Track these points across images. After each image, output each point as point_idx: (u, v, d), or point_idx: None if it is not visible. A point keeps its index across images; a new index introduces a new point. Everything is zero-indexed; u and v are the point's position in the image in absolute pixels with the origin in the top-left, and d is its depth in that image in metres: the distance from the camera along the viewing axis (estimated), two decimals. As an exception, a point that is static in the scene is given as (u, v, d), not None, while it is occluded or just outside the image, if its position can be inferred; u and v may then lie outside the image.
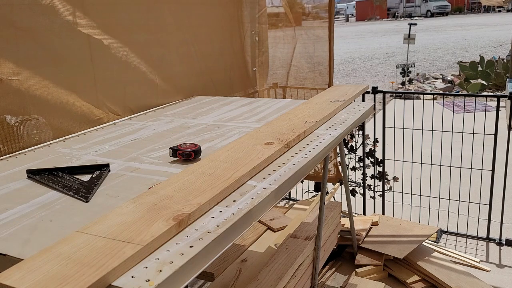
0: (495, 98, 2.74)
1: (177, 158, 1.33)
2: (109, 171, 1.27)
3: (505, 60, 8.04)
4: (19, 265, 0.75)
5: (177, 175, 1.14)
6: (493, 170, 2.65)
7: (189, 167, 1.20)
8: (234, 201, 1.01)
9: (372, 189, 3.07)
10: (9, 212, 1.02)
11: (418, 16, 33.83)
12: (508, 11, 30.50)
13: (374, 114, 2.92)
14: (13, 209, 1.03)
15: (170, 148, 1.35)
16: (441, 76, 9.23)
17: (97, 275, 0.71)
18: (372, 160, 3.03)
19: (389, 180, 3.04)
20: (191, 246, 0.82)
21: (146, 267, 0.76)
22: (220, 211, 0.96)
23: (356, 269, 2.38)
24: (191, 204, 0.95)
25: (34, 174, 1.24)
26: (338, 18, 42.87)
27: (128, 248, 0.78)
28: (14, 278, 0.71)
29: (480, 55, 8.64)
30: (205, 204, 0.97)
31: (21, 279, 0.71)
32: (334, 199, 3.02)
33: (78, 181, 1.18)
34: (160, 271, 0.74)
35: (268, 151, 1.28)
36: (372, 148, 3.01)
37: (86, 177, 1.21)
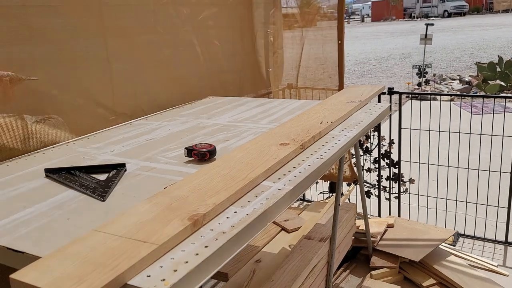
0: (515, 99, 2.68)
1: (192, 158, 1.34)
2: (125, 170, 1.28)
3: (524, 61, 7.89)
4: (36, 263, 0.76)
5: (192, 175, 1.14)
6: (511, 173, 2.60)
7: (204, 167, 1.20)
8: (249, 201, 1.01)
9: (388, 191, 3.04)
10: (27, 211, 1.03)
11: (435, 16, 33.41)
12: (527, 11, 29.90)
13: (390, 115, 2.88)
14: (31, 208, 1.05)
15: (185, 148, 1.36)
16: (458, 77, 9.10)
17: (113, 274, 0.71)
18: (388, 161, 3.00)
19: (405, 182, 3.00)
20: (206, 246, 0.82)
21: (161, 267, 0.76)
22: (235, 212, 0.96)
23: (371, 272, 2.35)
24: (206, 204, 0.96)
25: (52, 173, 1.26)
26: (354, 18, 42.60)
27: (144, 248, 0.79)
28: (32, 276, 0.72)
29: (498, 55, 8.49)
30: (220, 204, 0.97)
31: (39, 277, 0.72)
32: (349, 200, 3.00)
33: (95, 180, 1.19)
34: (176, 270, 0.74)
35: (283, 152, 1.28)
36: (388, 150, 2.98)
37: (102, 176, 1.22)
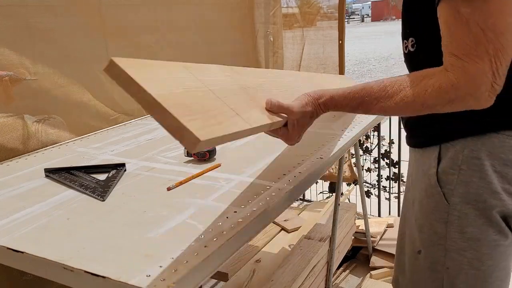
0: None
1: (192, 158, 1.34)
2: (125, 170, 1.28)
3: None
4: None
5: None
6: None
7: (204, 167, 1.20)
8: (248, 201, 1.01)
9: (388, 190, 3.04)
10: (27, 210, 1.03)
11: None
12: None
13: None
14: (31, 207, 1.05)
15: (185, 148, 1.36)
16: (458, 77, 9.09)
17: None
18: (388, 161, 3.00)
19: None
20: (205, 246, 0.82)
21: (161, 266, 0.76)
22: (235, 212, 0.96)
23: (370, 271, 2.35)
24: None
25: (52, 173, 1.26)
26: (354, 18, 42.61)
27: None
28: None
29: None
30: (220, 204, 0.97)
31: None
32: (349, 200, 3.00)
33: (95, 180, 1.19)
34: (175, 270, 0.74)
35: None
36: (388, 149, 2.98)
37: (102, 176, 1.22)
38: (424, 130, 1.04)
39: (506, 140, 0.92)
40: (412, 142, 1.11)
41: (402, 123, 1.17)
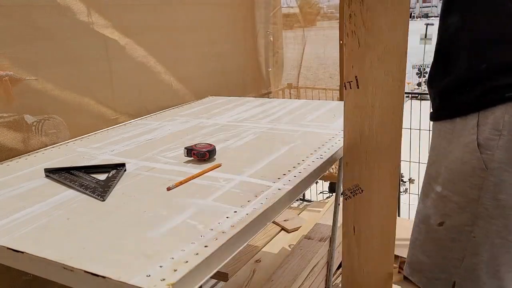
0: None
1: (192, 158, 1.34)
2: (125, 170, 1.28)
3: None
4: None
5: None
6: None
7: (204, 167, 1.20)
8: (248, 201, 1.01)
9: (388, 190, 3.04)
10: (27, 210, 1.03)
11: (435, 16, 33.38)
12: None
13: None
14: (31, 207, 1.05)
15: (185, 148, 1.36)
16: (458, 77, 9.07)
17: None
18: (388, 161, 2.99)
19: (405, 182, 3.01)
20: (206, 246, 0.82)
21: (161, 266, 0.76)
22: (235, 211, 0.96)
23: (371, 272, 2.35)
24: (206, 204, 0.95)
25: (52, 173, 1.26)
26: (354, 18, 42.54)
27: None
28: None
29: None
30: (220, 204, 0.97)
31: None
32: (349, 200, 2.99)
33: (95, 180, 1.19)
34: (175, 270, 0.74)
35: (283, 152, 1.28)
36: (388, 150, 2.98)
37: (102, 176, 1.22)
38: (460, 99, 1.04)
39: None
40: (444, 114, 1.10)
41: (431, 97, 1.16)
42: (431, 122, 1.16)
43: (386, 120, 1.10)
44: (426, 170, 1.17)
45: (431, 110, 1.16)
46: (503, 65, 0.97)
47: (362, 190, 1.21)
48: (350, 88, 1.12)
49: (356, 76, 1.10)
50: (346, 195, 1.23)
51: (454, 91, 1.04)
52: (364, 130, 1.15)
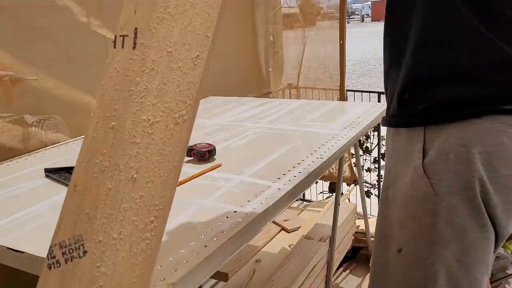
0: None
1: (192, 158, 1.34)
2: (125, 170, 1.27)
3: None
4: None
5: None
6: None
7: (204, 166, 1.20)
8: (248, 201, 1.01)
9: (388, 190, 3.03)
10: (27, 210, 1.03)
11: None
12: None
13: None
14: (31, 207, 1.05)
15: (185, 148, 1.35)
16: (458, 77, 9.07)
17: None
18: (388, 161, 2.99)
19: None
20: (205, 246, 0.82)
21: (161, 266, 0.76)
22: (235, 211, 0.96)
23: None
24: (206, 204, 0.95)
25: (52, 173, 1.26)
26: (354, 18, 42.62)
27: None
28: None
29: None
30: (219, 204, 0.97)
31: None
32: (349, 200, 3.00)
33: (95, 180, 1.19)
34: (175, 270, 0.74)
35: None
36: (388, 150, 2.98)
37: (102, 176, 1.22)
38: (406, 109, 0.97)
39: (489, 126, 0.89)
40: (398, 122, 1.03)
41: (386, 97, 1.07)
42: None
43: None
44: (382, 193, 1.10)
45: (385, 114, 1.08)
46: (446, 70, 0.90)
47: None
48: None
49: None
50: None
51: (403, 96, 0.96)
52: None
